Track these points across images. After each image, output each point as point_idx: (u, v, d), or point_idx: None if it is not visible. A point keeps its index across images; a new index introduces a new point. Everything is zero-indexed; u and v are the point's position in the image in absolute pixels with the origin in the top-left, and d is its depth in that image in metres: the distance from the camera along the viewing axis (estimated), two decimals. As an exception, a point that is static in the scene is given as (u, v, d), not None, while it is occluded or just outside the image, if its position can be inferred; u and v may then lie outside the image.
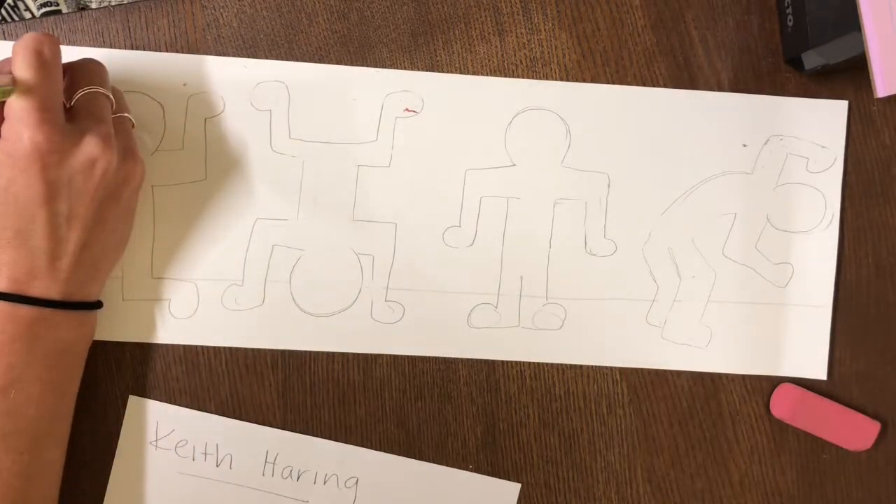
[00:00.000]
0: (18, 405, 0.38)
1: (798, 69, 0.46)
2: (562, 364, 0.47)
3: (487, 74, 0.46)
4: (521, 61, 0.46)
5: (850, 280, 0.47)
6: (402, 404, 0.46)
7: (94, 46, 0.45)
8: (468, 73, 0.46)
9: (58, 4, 0.63)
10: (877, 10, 0.38)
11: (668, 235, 0.47)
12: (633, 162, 0.46)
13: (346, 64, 0.46)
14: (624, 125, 0.46)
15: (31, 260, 0.38)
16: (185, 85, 0.45)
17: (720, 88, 0.47)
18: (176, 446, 0.45)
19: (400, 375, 0.46)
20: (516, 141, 0.46)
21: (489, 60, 0.46)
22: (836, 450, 0.47)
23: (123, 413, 0.45)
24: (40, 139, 0.35)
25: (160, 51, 0.45)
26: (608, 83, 0.46)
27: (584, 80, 0.46)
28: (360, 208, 0.46)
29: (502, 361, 0.47)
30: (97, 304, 0.42)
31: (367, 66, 0.46)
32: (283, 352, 0.46)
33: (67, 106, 0.39)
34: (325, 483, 0.46)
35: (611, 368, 0.47)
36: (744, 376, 0.47)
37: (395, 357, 0.46)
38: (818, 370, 0.47)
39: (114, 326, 0.45)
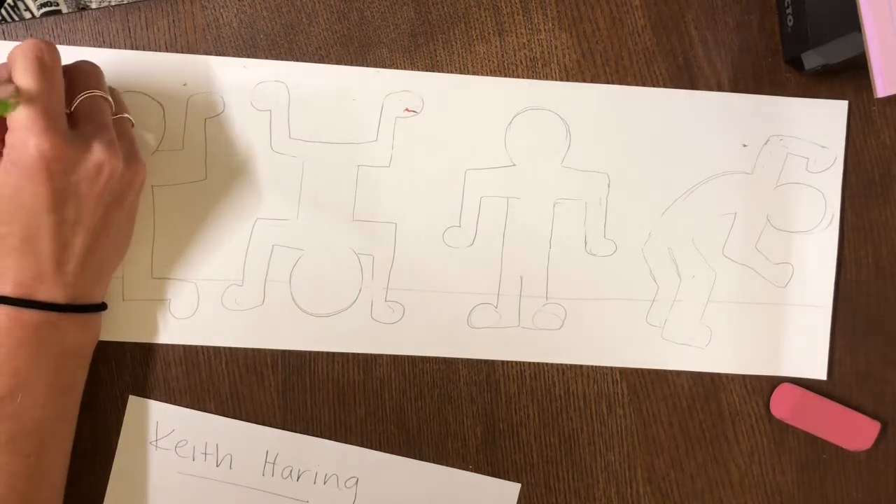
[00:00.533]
0: (25, 408, 0.38)
1: (798, 69, 0.46)
2: (562, 364, 0.47)
3: (487, 74, 0.46)
4: (521, 61, 0.46)
5: (850, 280, 0.47)
6: (402, 404, 0.46)
7: (94, 46, 0.45)
8: (468, 73, 0.46)
9: (58, 4, 0.63)
10: (877, 10, 0.37)
11: (668, 235, 0.47)
12: (633, 162, 0.46)
13: (346, 64, 0.46)
14: (624, 125, 0.46)
15: (37, 265, 0.38)
16: (185, 85, 0.45)
17: (720, 88, 0.47)
18: (176, 446, 0.45)
19: (400, 375, 0.46)
20: (516, 141, 0.46)
21: (489, 60, 0.46)
22: (836, 450, 0.47)
23: (123, 413, 0.45)
24: (46, 147, 0.35)
25: (160, 51, 0.45)
26: (608, 83, 0.46)
27: (584, 80, 0.46)
28: (360, 208, 0.46)
29: (502, 361, 0.47)
30: (102, 307, 0.42)
31: (367, 66, 0.46)
32: (283, 352, 0.46)
33: (68, 111, 0.38)
34: (325, 483, 0.46)
35: (611, 368, 0.47)
36: (744, 376, 0.47)
37: (395, 357, 0.46)
38: (818, 370, 0.47)
39: (114, 326, 0.45)
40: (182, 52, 0.45)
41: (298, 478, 0.46)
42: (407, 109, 0.46)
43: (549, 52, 0.46)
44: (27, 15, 0.63)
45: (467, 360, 0.47)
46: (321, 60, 0.46)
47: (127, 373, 0.45)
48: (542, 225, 0.46)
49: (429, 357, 0.46)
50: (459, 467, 0.47)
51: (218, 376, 0.46)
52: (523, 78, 0.46)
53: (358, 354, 0.46)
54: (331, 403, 0.46)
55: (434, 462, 0.46)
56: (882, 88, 0.38)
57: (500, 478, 0.47)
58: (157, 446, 0.45)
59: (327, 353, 0.46)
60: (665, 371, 0.47)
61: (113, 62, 0.45)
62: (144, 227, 0.45)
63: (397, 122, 0.46)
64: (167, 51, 0.45)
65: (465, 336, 0.46)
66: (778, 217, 0.47)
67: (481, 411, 0.47)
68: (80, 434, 0.44)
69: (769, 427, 0.47)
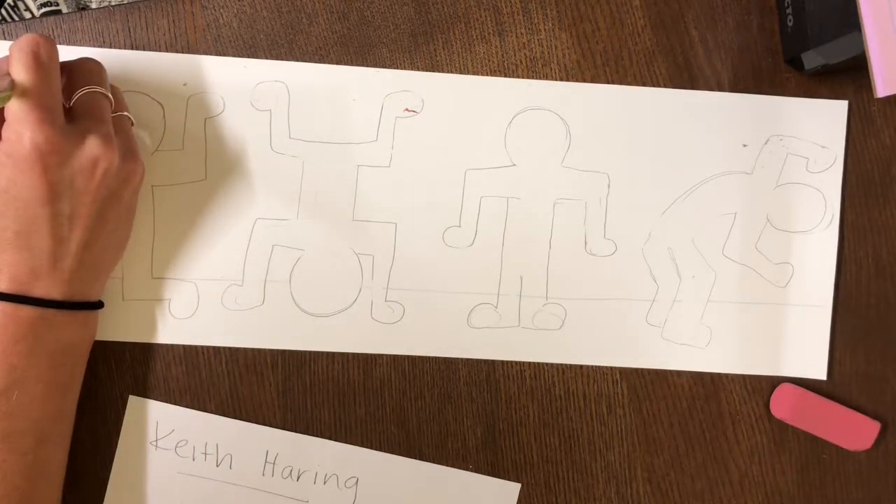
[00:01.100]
0: (21, 406, 0.38)
1: (798, 69, 0.46)
2: (562, 364, 0.47)
3: (487, 74, 0.46)
4: (521, 61, 0.46)
5: (850, 280, 0.47)
6: (402, 404, 0.46)
7: (94, 46, 0.45)
8: (468, 73, 0.46)
9: (58, 4, 0.63)
10: (877, 10, 0.37)
11: (668, 235, 0.47)
12: (633, 162, 0.46)
13: (346, 64, 0.46)
14: (624, 125, 0.46)
15: (32, 260, 0.38)
16: (185, 85, 0.45)
17: (720, 88, 0.47)
18: (176, 446, 0.45)
19: (400, 375, 0.46)
20: (516, 141, 0.46)
21: (489, 60, 0.46)
22: (836, 450, 0.47)
23: (123, 413, 0.45)
24: (40, 140, 0.35)
25: (160, 51, 0.45)
26: (608, 83, 0.46)
27: (584, 80, 0.46)
28: (360, 208, 0.46)
29: (502, 361, 0.47)
30: (99, 304, 0.42)
31: (367, 66, 0.46)
32: (283, 352, 0.46)
33: (67, 106, 0.38)
34: (325, 483, 0.46)
35: (611, 368, 0.47)
36: (744, 376, 0.47)
37: (395, 357, 0.46)
38: (818, 370, 0.47)
39: (114, 326, 0.45)
40: (182, 52, 0.45)
41: (298, 478, 0.46)
42: (407, 109, 0.46)
43: (549, 52, 0.46)
44: (27, 15, 0.63)
45: (467, 360, 0.47)
46: (321, 60, 0.46)
47: (127, 373, 0.45)
48: (542, 225, 0.46)
49: (429, 357, 0.46)
50: (459, 467, 0.47)
51: (218, 376, 0.46)
52: (523, 78, 0.46)
53: (358, 354, 0.46)
54: (331, 403, 0.46)
55: (434, 462, 0.46)
56: (882, 88, 0.38)
57: (500, 478, 0.47)
58: (157, 446, 0.45)
59: (327, 353, 0.46)
60: (665, 371, 0.47)
61: (113, 62, 0.45)
62: (144, 226, 0.45)
63: (397, 122, 0.46)
64: (167, 51, 0.45)
65: (465, 336, 0.46)
66: (778, 217, 0.47)
67: (481, 411, 0.47)
68: (80, 434, 0.44)
69: (769, 427, 0.47)
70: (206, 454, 0.46)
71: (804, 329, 0.47)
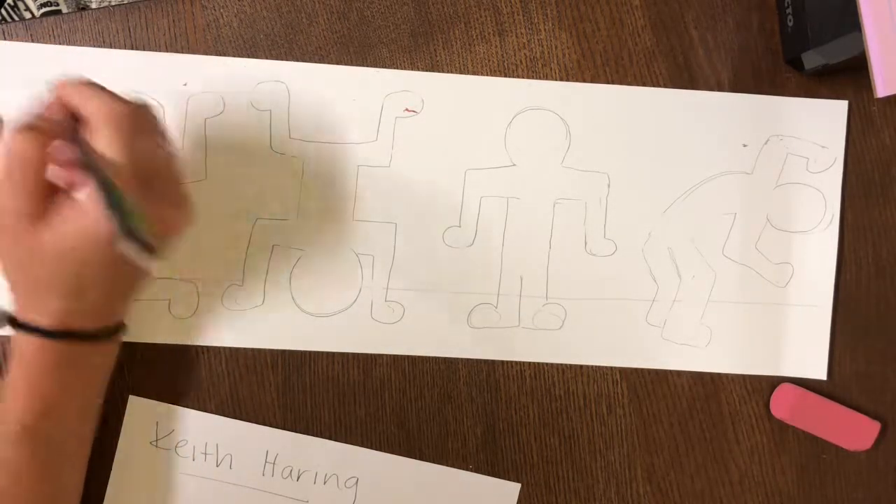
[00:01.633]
0: (52, 433, 0.39)
1: (798, 69, 0.46)
2: (562, 364, 0.47)
3: (487, 74, 0.46)
4: (521, 61, 0.46)
5: (850, 280, 0.47)
6: (402, 404, 0.46)
7: (94, 46, 0.45)
8: (468, 73, 0.46)
9: (58, 4, 0.63)
10: (877, 10, 0.38)
11: (668, 235, 0.47)
12: (633, 162, 0.46)
13: (346, 64, 0.46)
14: (624, 125, 0.46)
15: (79, 304, 0.37)
16: (185, 85, 0.45)
17: (720, 88, 0.47)
18: (176, 446, 0.45)
19: (400, 375, 0.46)
20: (516, 141, 0.46)
21: (489, 60, 0.46)
22: (836, 450, 0.47)
23: (123, 413, 0.45)
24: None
25: (160, 51, 0.45)
26: (608, 83, 0.46)
27: (584, 80, 0.46)
28: (360, 208, 0.46)
29: (502, 361, 0.47)
30: (123, 326, 0.42)
31: (367, 66, 0.46)
32: (283, 352, 0.46)
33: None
34: (325, 483, 0.46)
35: (611, 368, 0.47)
36: (744, 376, 0.47)
37: (395, 357, 0.46)
38: (818, 370, 0.47)
39: (114, 326, 0.45)
40: (182, 52, 0.45)
41: (298, 478, 0.46)
42: (407, 109, 0.46)
43: (549, 52, 0.46)
44: (27, 15, 0.63)
45: (467, 360, 0.47)
46: (321, 60, 0.46)
47: (127, 373, 0.45)
48: (542, 225, 0.46)
49: (429, 357, 0.46)
50: (459, 467, 0.47)
51: (218, 376, 0.46)
52: (523, 78, 0.46)
53: (358, 354, 0.46)
54: (331, 403, 0.46)
55: (434, 462, 0.46)
56: (882, 88, 0.38)
57: (500, 478, 0.47)
58: (157, 446, 0.45)
59: (327, 353, 0.46)
60: (665, 371, 0.47)
61: (113, 62, 0.45)
62: (144, 227, 0.45)
63: (397, 122, 0.46)
64: (167, 51, 0.45)
65: (465, 336, 0.46)
66: (778, 217, 0.47)
67: (481, 411, 0.47)
68: (80, 434, 0.44)
69: (769, 427, 0.47)
70: (206, 454, 0.46)
71: (804, 329, 0.47)
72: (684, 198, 0.47)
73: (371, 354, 0.46)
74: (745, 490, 0.47)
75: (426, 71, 0.46)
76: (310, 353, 0.46)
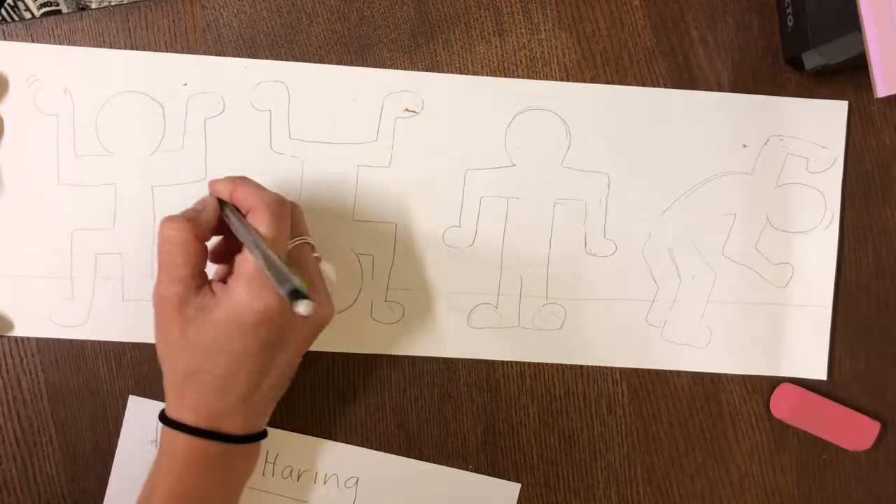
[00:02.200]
0: None
1: (798, 69, 0.46)
2: (562, 364, 0.47)
3: (487, 74, 0.46)
4: (521, 61, 0.46)
5: (850, 280, 0.47)
6: (402, 404, 0.46)
7: (94, 46, 0.45)
8: (468, 73, 0.46)
9: (58, 4, 0.63)
10: (877, 10, 0.38)
11: (668, 235, 0.47)
12: (633, 162, 0.46)
13: (346, 64, 0.46)
14: (624, 125, 0.46)
15: (226, 402, 0.38)
16: (185, 85, 0.45)
17: (720, 88, 0.47)
18: (176, 446, 0.45)
19: (400, 375, 0.46)
20: (516, 141, 0.46)
21: (489, 60, 0.46)
22: (836, 450, 0.47)
23: (123, 413, 0.45)
24: (265, 307, 0.36)
25: (160, 51, 0.45)
26: (608, 83, 0.46)
27: (584, 80, 0.46)
28: (360, 208, 0.46)
29: (502, 361, 0.47)
30: (265, 433, 0.41)
31: (367, 66, 0.46)
32: (283, 352, 0.46)
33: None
34: (325, 483, 0.46)
35: (611, 368, 0.47)
36: (744, 376, 0.47)
37: (395, 357, 0.46)
38: (818, 370, 0.47)
39: (114, 326, 0.45)
40: (182, 52, 0.45)
41: (298, 478, 0.46)
42: (407, 109, 0.46)
43: (549, 52, 0.46)
44: (27, 15, 0.63)
45: (467, 360, 0.47)
46: (321, 60, 0.46)
47: (127, 373, 0.45)
48: (542, 225, 0.46)
49: (429, 357, 0.46)
50: (459, 467, 0.47)
51: (218, 376, 0.46)
52: (523, 78, 0.46)
53: (358, 354, 0.46)
54: (331, 403, 0.46)
55: (434, 462, 0.46)
56: (882, 88, 0.38)
57: (500, 478, 0.47)
58: (157, 446, 0.45)
59: (327, 353, 0.46)
60: (665, 371, 0.47)
61: (113, 62, 0.45)
62: (144, 227, 0.45)
63: (397, 122, 0.46)
64: (167, 51, 0.45)
65: (465, 336, 0.46)
66: (778, 217, 0.47)
67: (481, 411, 0.47)
68: (80, 434, 0.44)
69: (769, 427, 0.47)
70: (206, 454, 0.45)
71: (804, 329, 0.47)
72: (684, 198, 0.47)
73: (371, 354, 0.46)
74: (745, 490, 0.47)
75: (426, 71, 0.46)
76: (310, 353, 0.46)
